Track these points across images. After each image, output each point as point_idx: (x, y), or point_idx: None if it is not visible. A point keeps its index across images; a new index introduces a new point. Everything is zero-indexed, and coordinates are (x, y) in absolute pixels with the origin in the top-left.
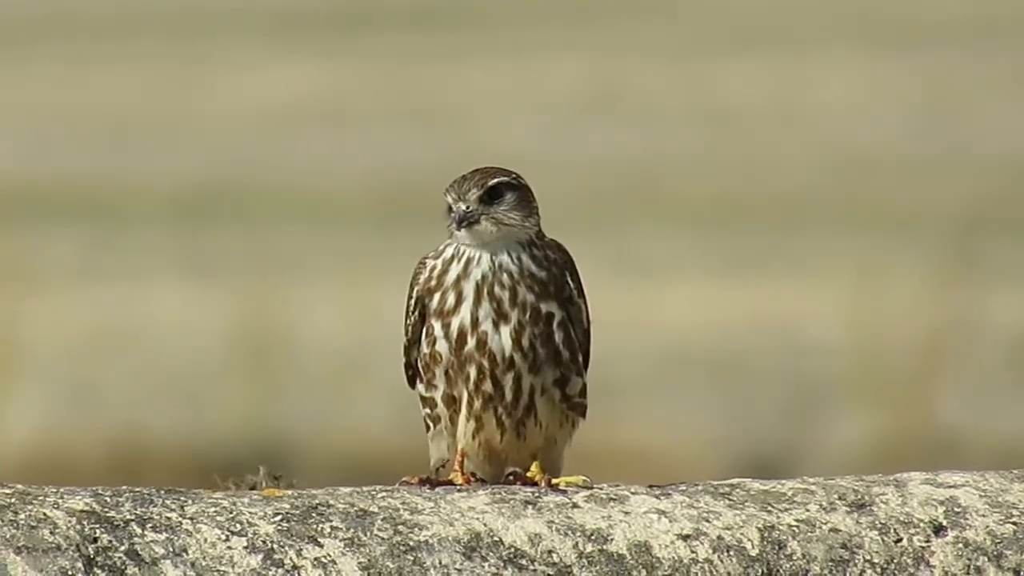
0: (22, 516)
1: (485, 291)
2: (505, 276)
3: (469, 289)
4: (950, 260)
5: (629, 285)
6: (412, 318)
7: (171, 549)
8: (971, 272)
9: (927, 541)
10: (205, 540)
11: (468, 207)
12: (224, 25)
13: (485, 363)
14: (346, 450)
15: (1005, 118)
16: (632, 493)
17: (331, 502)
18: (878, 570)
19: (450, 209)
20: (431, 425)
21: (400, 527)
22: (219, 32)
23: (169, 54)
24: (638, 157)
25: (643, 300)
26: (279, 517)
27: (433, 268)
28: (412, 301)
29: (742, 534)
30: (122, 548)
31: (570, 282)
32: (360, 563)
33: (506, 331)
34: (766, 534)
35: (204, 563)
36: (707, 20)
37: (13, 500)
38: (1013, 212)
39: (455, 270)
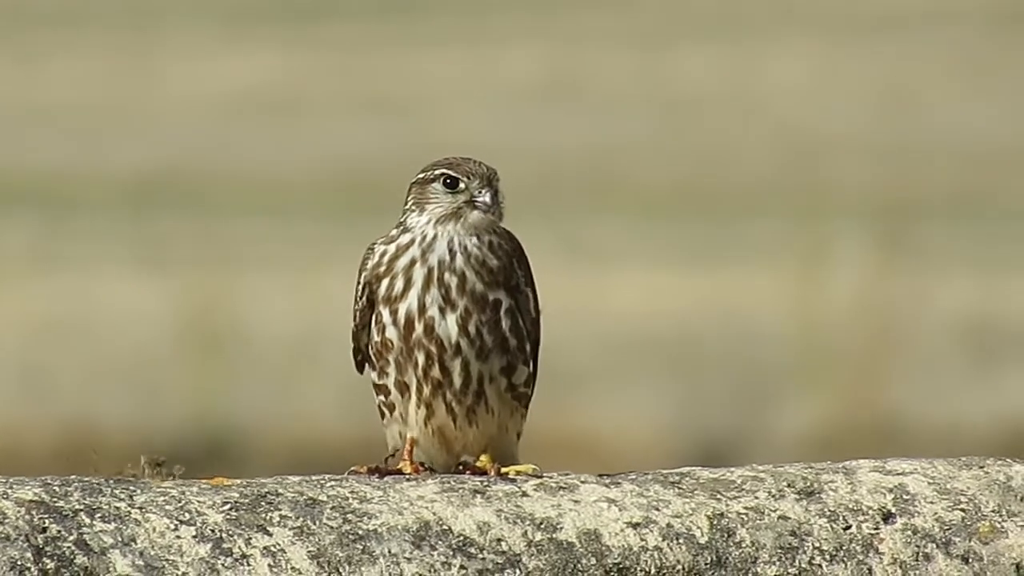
0: None
1: (436, 277)
2: (460, 260)
3: (419, 275)
4: (897, 247)
5: (581, 272)
6: (360, 303)
7: (120, 539)
8: (918, 259)
9: (876, 528)
10: (154, 529)
11: (496, 192)
12: (176, 12)
13: (433, 349)
14: (296, 438)
15: (956, 107)
16: (582, 482)
17: (280, 491)
18: (827, 557)
19: (453, 187)
20: (386, 413)
21: (349, 516)
22: (171, 20)
23: (121, 42)
24: (593, 145)
25: (594, 287)
26: (228, 506)
27: (383, 253)
28: (360, 287)
29: (691, 522)
30: (71, 538)
31: (518, 270)
32: (309, 552)
33: (452, 318)
34: (715, 522)
35: (153, 552)
36: (663, 8)
37: None
38: (960, 200)
39: (412, 254)
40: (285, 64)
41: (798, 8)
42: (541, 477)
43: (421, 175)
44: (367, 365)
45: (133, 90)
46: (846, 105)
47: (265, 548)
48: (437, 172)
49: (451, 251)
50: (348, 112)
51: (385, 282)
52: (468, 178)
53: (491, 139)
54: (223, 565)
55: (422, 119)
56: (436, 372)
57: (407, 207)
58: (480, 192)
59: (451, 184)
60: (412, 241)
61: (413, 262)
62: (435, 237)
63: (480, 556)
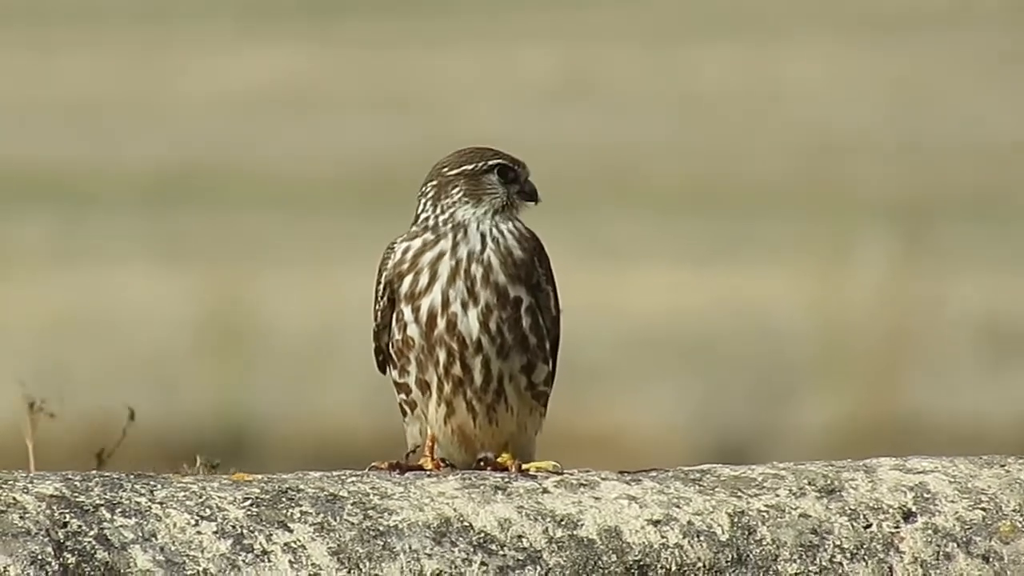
0: None
1: (463, 269)
2: (489, 248)
3: (445, 268)
4: (916, 245)
5: (600, 270)
6: (381, 303)
7: (140, 534)
8: (937, 257)
9: (896, 527)
10: (174, 525)
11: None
12: (195, 8)
13: (455, 346)
14: (316, 434)
15: (974, 105)
16: (602, 479)
17: (301, 487)
18: (847, 555)
19: (507, 176)
20: (407, 411)
21: (370, 512)
22: (190, 15)
23: (138, 38)
24: (610, 143)
25: (613, 285)
26: (248, 502)
27: (407, 250)
28: (380, 286)
29: (712, 519)
30: (91, 533)
31: (539, 267)
32: (330, 548)
33: (473, 314)
34: (736, 519)
35: (173, 548)
36: (680, 5)
37: None
38: (979, 198)
39: (442, 246)
40: (303, 60)
41: (816, 6)
42: (561, 474)
43: (469, 167)
44: (388, 365)
45: (151, 85)
46: (864, 103)
47: (286, 544)
48: (492, 163)
49: (483, 239)
50: (365, 109)
51: (408, 279)
52: (520, 168)
53: (508, 136)
54: (244, 561)
55: (439, 116)
56: (457, 370)
57: (455, 200)
58: (527, 181)
59: (505, 174)
60: (443, 235)
61: (442, 254)
62: (481, 227)
63: (501, 552)
